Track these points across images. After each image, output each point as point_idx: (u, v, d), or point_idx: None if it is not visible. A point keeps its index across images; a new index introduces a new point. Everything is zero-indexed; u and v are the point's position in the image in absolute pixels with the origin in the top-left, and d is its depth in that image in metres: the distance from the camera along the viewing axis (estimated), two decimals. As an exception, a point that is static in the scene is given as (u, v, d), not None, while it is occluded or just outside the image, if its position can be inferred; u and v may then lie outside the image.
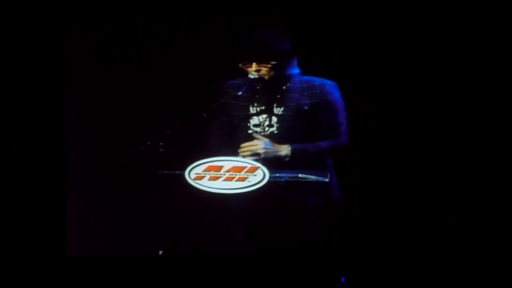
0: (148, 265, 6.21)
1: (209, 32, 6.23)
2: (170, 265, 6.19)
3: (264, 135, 6.05)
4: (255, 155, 5.97)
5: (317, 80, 6.04)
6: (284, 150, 6.00)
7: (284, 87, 6.04)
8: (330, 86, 6.03)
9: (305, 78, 6.05)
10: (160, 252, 6.15)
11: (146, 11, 6.30)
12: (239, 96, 6.00)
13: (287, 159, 5.99)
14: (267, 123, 6.05)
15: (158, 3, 6.29)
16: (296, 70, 6.04)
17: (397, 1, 6.18)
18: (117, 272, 6.24)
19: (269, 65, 6.00)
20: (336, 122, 6.00)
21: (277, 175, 6.02)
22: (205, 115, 6.09)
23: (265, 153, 5.98)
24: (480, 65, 6.09)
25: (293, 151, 5.99)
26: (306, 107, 5.98)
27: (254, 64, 6.00)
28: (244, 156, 5.99)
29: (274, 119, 6.05)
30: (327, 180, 6.01)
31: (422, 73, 6.12)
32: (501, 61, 6.07)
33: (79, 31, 6.39)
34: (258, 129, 6.06)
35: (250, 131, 6.07)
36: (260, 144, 5.98)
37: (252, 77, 6.01)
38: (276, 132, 6.05)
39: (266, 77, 6.02)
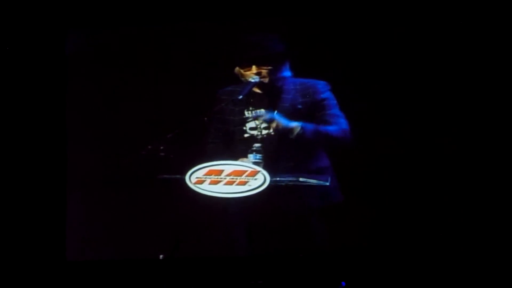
0: (149, 269, 6.20)
1: (209, 36, 6.24)
2: (171, 269, 6.16)
3: (261, 138, 6.03)
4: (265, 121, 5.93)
5: (309, 82, 6.05)
6: (294, 125, 5.94)
7: (280, 90, 6.04)
8: (321, 85, 6.03)
9: (298, 80, 6.06)
10: (161, 256, 6.13)
11: (146, 16, 6.32)
12: (238, 100, 5.98)
13: (295, 134, 5.93)
14: (263, 125, 6.05)
15: (159, 8, 6.30)
16: (289, 73, 6.05)
17: (389, 5, 6.19)
18: (117, 276, 6.23)
19: (268, 68, 5.99)
20: (334, 114, 5.98)
21: (278, 179, 6.00)
22: (206, 119, 6.08)
23: (276, 124, 5.94)
24: (475, 66, 6.10)
25: (303, 128, 5.94)
26: (299, 106, 5.97)
27: (254, 67, 6.00)
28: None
29: None
30: (327, 184, 5.99)
31: (415, 73, 6.13)
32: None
33: (81, 35, 6.41)
34: (254, 132, 6.05)
35: (246, 135, 6.06)
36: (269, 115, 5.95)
37: (253, 80, 6.00)
38: (272, 133, 6.03)
39: (266, 80, 6.02)
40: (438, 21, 6.15)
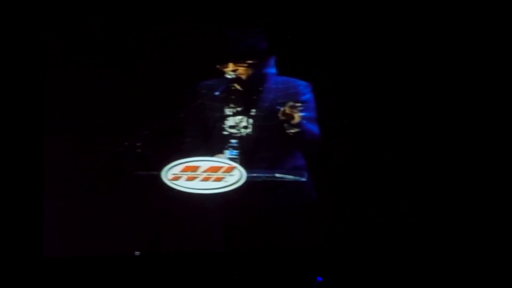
0: (126, 266, 6.21)
1: (185, 32, 6.23)
2: (148, 266, 6.18)
3: (240, 137, 6.04)
4: None
5: (292, 81, 6.04)
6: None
7: (260, 88, 6.03)
8: (303, 87, 6.02)
9: (281, 78, 6.05)
10: (137, 253, 6.14)
11: (122, 12, 6.30)
12: (216, 96, 5.99)
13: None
14: (242, 124, 6.04)
15: (136, 3, 6.30)
16: (273, 70, 6.04)
17: (376, 7, 6.23)
18: (94, 273, 6.23)
19: (245, 65, 5.98)
20: (309, 117, 5.97)
21: (254, 175, 6.01)
22: (182, 115, 6.09)
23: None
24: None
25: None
26: (279, 107, 5.94)
27: (230, 64, 5.99)
28: None
29: (250, 120, 6.04)
30: (304, 179, 6.01)
31: (399, 77, 6.18)
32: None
33: (57, 31, 6.38)
34: (233, 131, 6.05)
35: (225, 133, 6.06)
36: None
37: (229, 77, 6.00)
38: (251, 133, 6.04)
39: (244, 77, 6.01)
40: (417, 27, 6.20)
